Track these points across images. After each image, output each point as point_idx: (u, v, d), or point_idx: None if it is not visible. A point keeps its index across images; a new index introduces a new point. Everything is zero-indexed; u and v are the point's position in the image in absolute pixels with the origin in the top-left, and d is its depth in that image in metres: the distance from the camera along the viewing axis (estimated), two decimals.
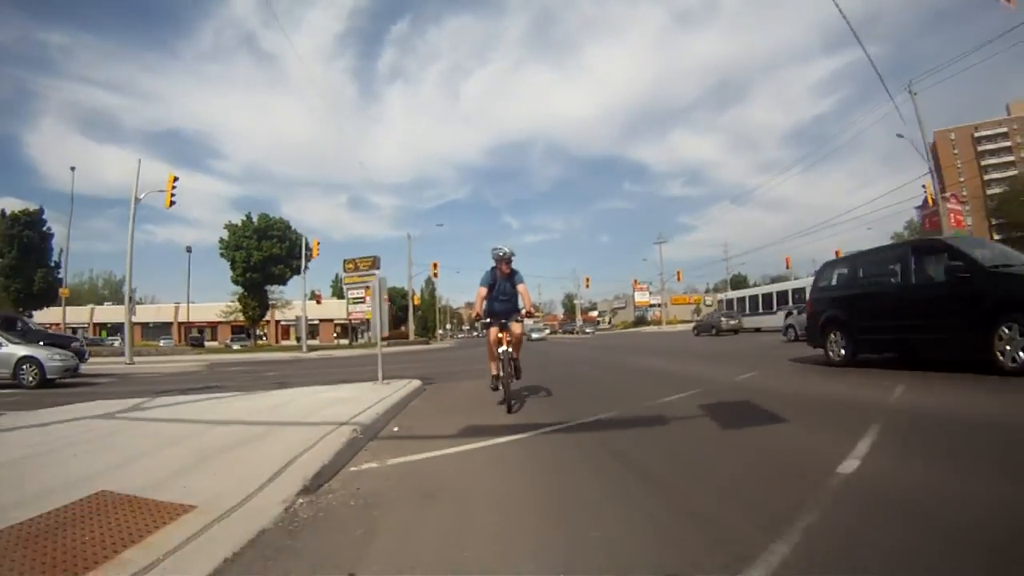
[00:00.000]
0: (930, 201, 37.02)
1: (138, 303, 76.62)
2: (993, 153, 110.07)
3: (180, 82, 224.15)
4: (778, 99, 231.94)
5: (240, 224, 44.00)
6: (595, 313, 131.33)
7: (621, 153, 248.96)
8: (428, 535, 2.66)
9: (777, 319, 31.30)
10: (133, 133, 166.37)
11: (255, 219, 44.46)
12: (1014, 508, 2.48)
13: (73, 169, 35.62)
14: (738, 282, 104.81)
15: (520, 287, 7.37)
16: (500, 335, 6.98)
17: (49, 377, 13.65)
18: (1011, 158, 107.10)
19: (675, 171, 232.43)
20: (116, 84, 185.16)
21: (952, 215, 43.77)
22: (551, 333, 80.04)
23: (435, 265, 51.52)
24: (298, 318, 42.31)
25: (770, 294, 38.01)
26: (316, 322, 65.24)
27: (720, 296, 54.56)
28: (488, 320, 7.18)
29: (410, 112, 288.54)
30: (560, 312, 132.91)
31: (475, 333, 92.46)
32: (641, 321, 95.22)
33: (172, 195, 22.72)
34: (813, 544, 2.21)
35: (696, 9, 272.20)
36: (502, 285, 7.32)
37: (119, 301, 79.45)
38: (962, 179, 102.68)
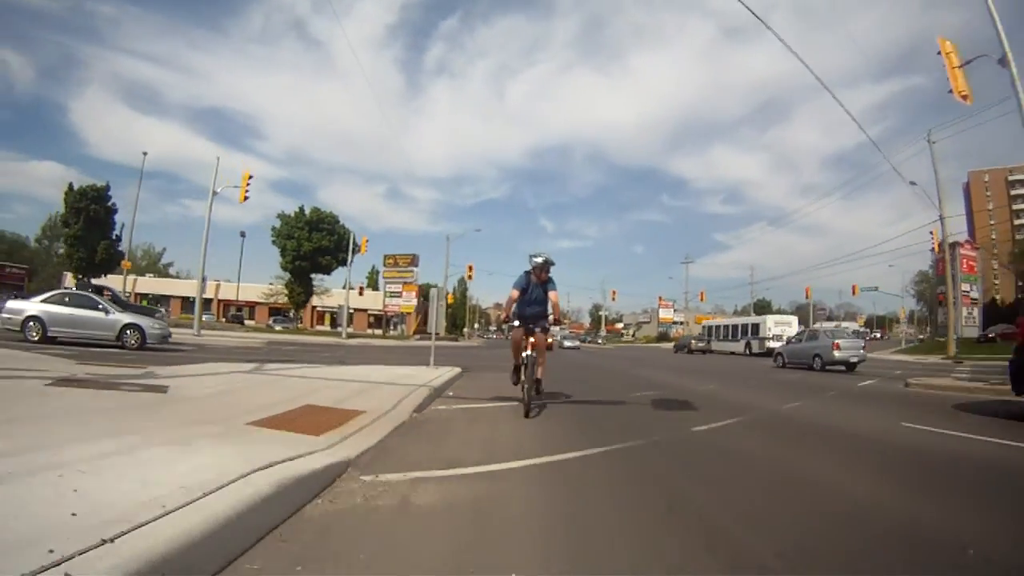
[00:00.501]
0: (936, 248, 38.51)
1: (176, 277, 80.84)
2: None
3: (226, 61, 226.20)
4: (822, 122, 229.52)
5: (293, 215, 47.83)
6: (620, 325, 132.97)
7: (662, 165, 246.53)
8: (477, 429, 5.61)
9: (739, 345, 43.85)
10: (176, 108, 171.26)
11: (307, 212, 48.25)
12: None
13: (145, 154, 39.03)
14: (762, 307, 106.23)
15: (552, 294, 7.49)
16: (526, 338, 7.13)
17: (148, 342, 16.42)
18: None
19: (714, 188, 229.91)
20: (162, 58, 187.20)
21: (965, 260, 44.98)
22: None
23: (470, 268, 54.65)
24: (340, 306, 45.87)
25: (736, 326, 48.10)
26: (351, 311, 68.71)
27: (704, 323, 63.59)
28: (516, 323, 7.33)
29: (454, 107, 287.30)
30: (587, 321, 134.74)
31: (502, 335, 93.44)
32: (664, 337, 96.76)
33: (247, 191, 26.02)
34: (650, 443, 5.05)
35: (746, 26, 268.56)
36: (535, 291, 7.44)
37: (159, 274, 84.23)
38: (992, 222, 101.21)
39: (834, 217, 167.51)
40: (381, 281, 63.71)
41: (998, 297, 75.66)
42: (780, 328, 41.07)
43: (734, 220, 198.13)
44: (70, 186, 43.71)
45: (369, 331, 67.98)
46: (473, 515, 2.93)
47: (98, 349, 14.81)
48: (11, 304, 16.87)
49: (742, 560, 2.37)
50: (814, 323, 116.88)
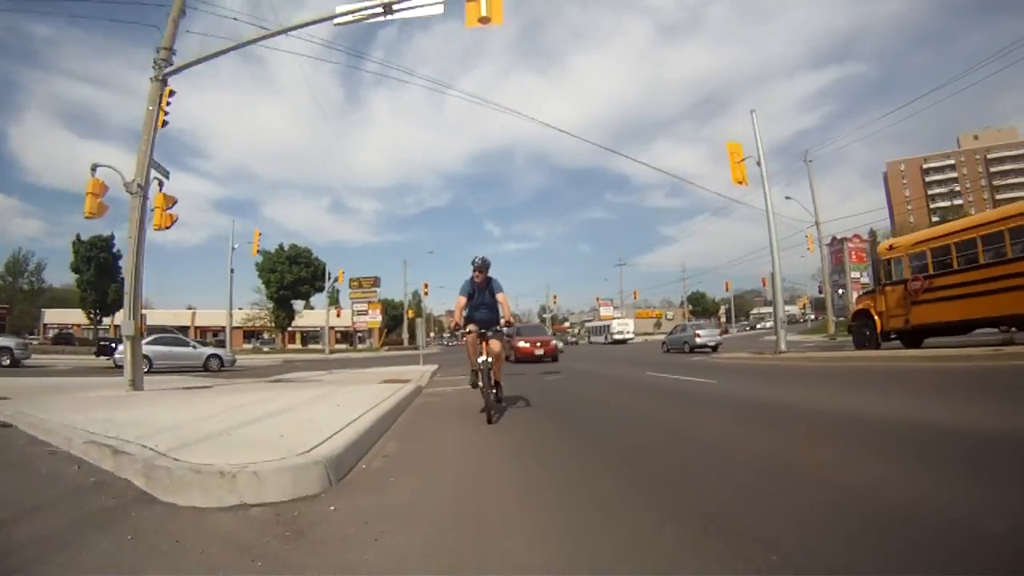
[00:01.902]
0: (811, 248, 47.64)
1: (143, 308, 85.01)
2: (940, 184, 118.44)
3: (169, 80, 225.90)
4: (761, 113, 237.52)
5: (274, 252, 55.22)
6: (567, 324, 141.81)
7: (604, 163, 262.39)
8: (457, 381, 13.92)
9: (602, 338, 70.03)
10: (116, 130, 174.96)
11: (286, 248, 55.81)
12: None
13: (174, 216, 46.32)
14: (696, 298, 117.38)
15: (499, 296, 7.39)
16: (482, 343, 7.16)
17: (224, 367, 24.08)
18: (957, 187, 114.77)
19: (657, 182, 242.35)
20: (101, 79, 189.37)
21: (853, 252, 54.51)
22: None
23: (426, 285, 62.79)
24: (320, 327, 53.50)
25: (601, 326, 73.92)
26: (319, 329, 76.16)
27: (585, 324, 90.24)
28: (469, 328, 7.28)
29: (394, 117, 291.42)
30: (537, 322, 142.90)
31: (453, 343, 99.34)
32: None
33: (259, 247, 33.68)
34: (521, 380, 13.56)
35: (682, 23, 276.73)
36: (480, 294, 7.40)
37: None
38: (910, 207, 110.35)
39: (778, 203, 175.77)
40: (345, 300, 71.49)
41: None
42: (621, 326, 67.27)
43: (679, 213, 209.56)
44: (78, 236, 50.44)
45: (339, 346, 75.25)
46: (466, 396, 11.22)
47: (194, 374, 21.52)
48: (122, 347, 24.10)
49: (547, 410, 10.62)
50: (751, 309, 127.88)
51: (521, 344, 23.63)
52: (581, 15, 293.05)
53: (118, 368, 22.21)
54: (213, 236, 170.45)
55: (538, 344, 23.92)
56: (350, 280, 65.36)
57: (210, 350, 24.46)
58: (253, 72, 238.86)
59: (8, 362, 24.73)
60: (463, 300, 7.42)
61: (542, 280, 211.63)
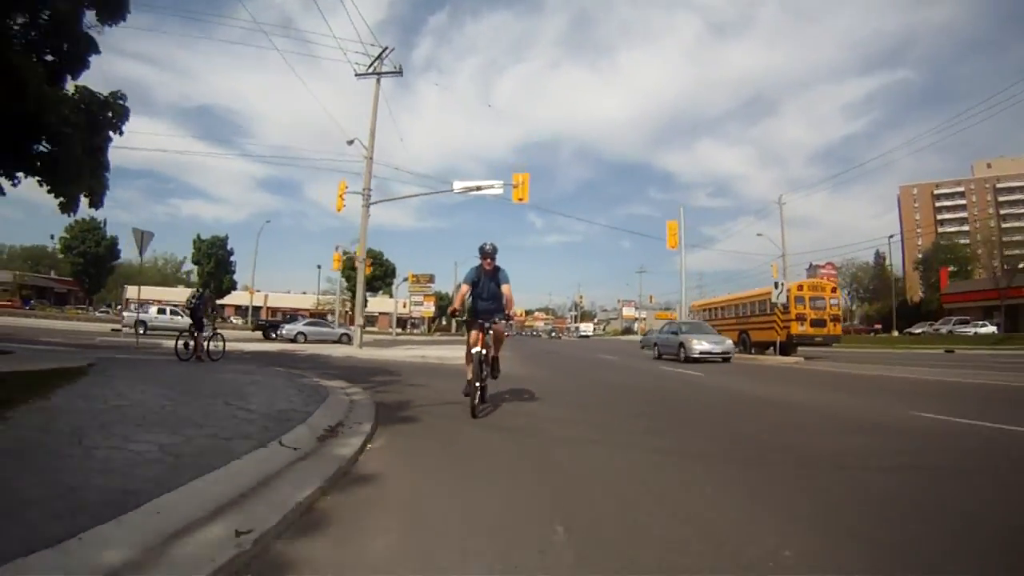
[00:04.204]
0: (774, 274, 59.56)
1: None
2: (949, 209, 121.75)
3: (214, 60, 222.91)
4: (809, 116, 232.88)
5: (355, 254, 70.02)
6: (596, 320, 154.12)
7: (649, 159, 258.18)
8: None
9: (575, 334, 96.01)
10: (164, 107, 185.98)
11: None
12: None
13: (268, 221, 60.95)
14: None
15: (504, 287, 7.19)
16: (480, 336, 6.98)
17: (351, 342, 38.11)
18: (965, 215, 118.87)
19: (701, 181, 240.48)
20: (150, 57, 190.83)
21: (827, 278, 65.95)
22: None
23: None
24: (377, 314, 68.00)
25: (572, 327, 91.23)
26: (376, 314, 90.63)
27: (565, 325, 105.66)
28: (469, 320, 7.24)
29: (442, 104, 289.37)
30: (568, 317, 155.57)
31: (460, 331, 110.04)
32: (628, 331, 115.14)
33: (371, 265, 47.87)
34: (527, 350, 27.67)
35: (732, 21, 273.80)
36: (486, 283, 7.21)
37: (186, 284, 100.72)
38: (919, 229, 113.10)
39: (821, 210, 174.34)
40: (401, 292, 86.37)
41: (915, 298, 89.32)
42: (586, 328, 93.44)
43: (722, 213, 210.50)
44: (199, 236, 66.00)
45: (397, 330, 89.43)
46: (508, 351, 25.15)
47: (336, 344, 36.38)
48: (287, 326, 37.86)
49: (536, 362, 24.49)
50: None
51: None
52: (631, 11, 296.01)
53: (271, 340, 35.85)
54: (255, 214, 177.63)
55: None
56: (410, 275, 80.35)
57: (342, 329, 38.62)
58: (300, 54, 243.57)
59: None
60: (466, 288, 7.27)
61: (580, 273, 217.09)
